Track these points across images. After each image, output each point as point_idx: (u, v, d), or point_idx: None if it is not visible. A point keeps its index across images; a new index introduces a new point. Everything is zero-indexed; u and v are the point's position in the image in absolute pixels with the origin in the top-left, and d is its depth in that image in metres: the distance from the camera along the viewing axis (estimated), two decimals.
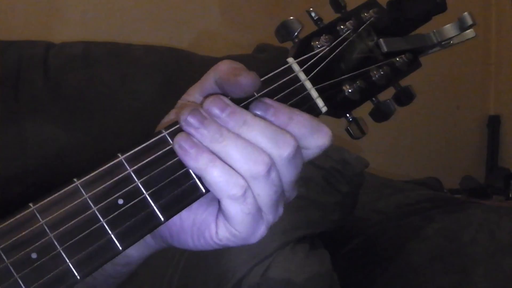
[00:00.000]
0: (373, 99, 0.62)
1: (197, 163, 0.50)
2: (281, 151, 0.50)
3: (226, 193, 0.49)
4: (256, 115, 0.52)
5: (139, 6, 1.84)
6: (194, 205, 0.53)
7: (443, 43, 0.64)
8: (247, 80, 0.52)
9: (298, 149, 0.51)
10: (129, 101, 1.37)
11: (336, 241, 1.28)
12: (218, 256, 1.02)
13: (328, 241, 1.19)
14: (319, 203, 1.13)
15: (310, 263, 1.07)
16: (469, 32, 0.65)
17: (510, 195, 2.07)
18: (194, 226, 0.54)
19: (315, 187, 1.12)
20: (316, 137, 0.52)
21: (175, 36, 1.85)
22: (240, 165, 0.50)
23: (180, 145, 0.50)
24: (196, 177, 0.51)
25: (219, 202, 0.52)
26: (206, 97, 0.54)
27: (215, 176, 0.49)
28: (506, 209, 1.32)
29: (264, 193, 0.51)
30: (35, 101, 1.32)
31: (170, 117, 0.57)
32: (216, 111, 0.51)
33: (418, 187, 1.55)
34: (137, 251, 0.60)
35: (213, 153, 0.50)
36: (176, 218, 0.54)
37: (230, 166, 0.50)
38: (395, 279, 1.19)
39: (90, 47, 1.42)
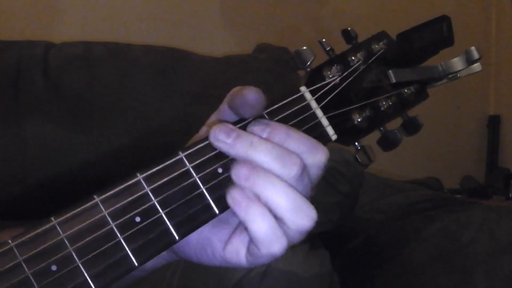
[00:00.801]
0: (381, 128, 0.64)
1: (247, 215, 0.51)
2: (289, 170, 0.51)
3: (269, 246, 0.51)
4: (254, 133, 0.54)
5: (139, 6, 1.84)
6: None
7: (450, 76, 0.66)
8: (250, 92, 0.53)
9: (305, 167, 0.53)
10: (129, 101, 1.37)
11: (336, 241, 1.28)
12: None
13: (328, 241, 1.19)
14: (319, 203, 1.13)
15: (310, 263, 1.07)
16: (476, 66, 0.66)
17: (510, 195, 2.07)
18: (198, 243, 0.56)
19: (315, 187, 1.12)
20: (314, 154, 0.53)
21: (175, 36, 1.85)
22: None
23: (233, 197, 0.52)
24: (211, 199, 0.53)
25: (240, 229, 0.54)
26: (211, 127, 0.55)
27: (261, 229, 0.51)
28: (506, 209, 1.32)
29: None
30: (35, 101, 1.32)
31: (200, 133, 0.58)
32: (222, 136, 0.53)
33: (418, 187, 1.55)
34: (151, 261, 0.62)
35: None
36: None
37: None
38: (395, 279, 1.19)
39: (90, 47, 1.42)
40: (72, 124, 1.32)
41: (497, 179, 2.15)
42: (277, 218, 0.51)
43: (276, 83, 1.45)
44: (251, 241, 0.52)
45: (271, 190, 0.51)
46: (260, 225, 0.50)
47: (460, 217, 1.24)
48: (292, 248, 1.11)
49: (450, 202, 1.36)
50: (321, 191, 1.19)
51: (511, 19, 2.32)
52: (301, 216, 0.51)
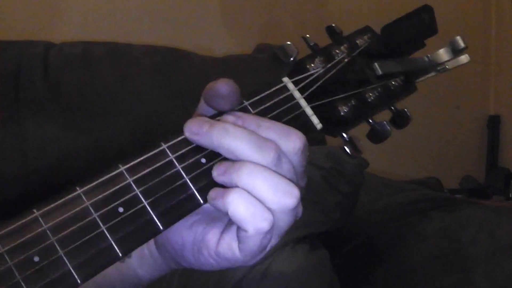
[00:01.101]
0: (370, 120, 0.64)
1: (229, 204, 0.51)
2: (266, 156, 0.51)
3: (254, 225, 0.51)
4: None
5: (139, 6, 1.84)
6: (194, 223, 0.55)
7: (438, 68, 0.66)
8: (221, 84, 0.54)
9: (282, 153, 0.52)
10: (129, 101, 1.37)
11: (336, 241, 1.28)
12: None
13: (328, 241, 1.19)
14: (319, 203, 1.13)
15: (310, 263, 1.07)
16: (463, 58, 0.66)
17: (510, 195, 2.07)
18: (194, 245, 0.55)
19: (315, 187, 1.12)
20: (287, 140, 0.53)
21: (175, 36, 1.85)
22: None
23: (210, 195, 0.52)
24: (194, 188, 0.53)
25: (228, 222, 0.54)
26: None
27: (240, 206, 0.51)
28: (506, 209, 1.32)
29: None
30: (35, 101, 1.32)
31: None
32: (195, 128, 0.53)
33: (418, 187, 1.55)
34: (147, 273, 0.62)
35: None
36: (178, 237, 0.56)
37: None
38: (395, 279, 1.19)
39: (90, 47, 1.42)
40: (72, 124, 1.32)
41: (497, 179, 2.15)
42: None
43: None
44: (238, 228, 0.52)
45: (247, 175, 0.51)
46: (237, 203, 0.50)
47: (460, 217, 1.24)
48: (292, 248, 1.12)
49: (450, 202, 1.36)
50: (321, 191, 1.20)
51: (511, 19, 2.32)
52: (281, 195, 0.51)
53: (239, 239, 0.52)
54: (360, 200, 1.25)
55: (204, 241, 0.55)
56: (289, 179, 0.52)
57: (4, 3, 1.68)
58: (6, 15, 1.68)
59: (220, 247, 0.54)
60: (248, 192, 0.51)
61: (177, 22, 1.88)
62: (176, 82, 1.42)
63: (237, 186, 0.51)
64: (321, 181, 1.13)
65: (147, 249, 0.61)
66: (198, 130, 0.53)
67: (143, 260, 0.62)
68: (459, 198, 1.90)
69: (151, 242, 0.60)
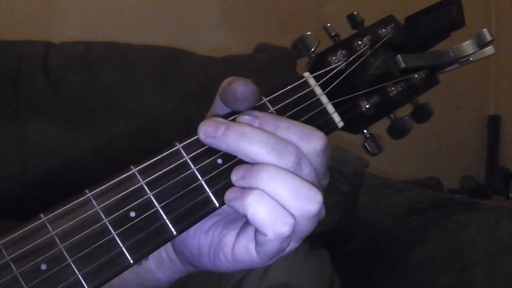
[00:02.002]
0: (391, 115, 0.62)
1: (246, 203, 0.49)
2: (286, 161, 0.49)
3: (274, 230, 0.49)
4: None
5: (139, 6, 1.84)
6: (211, 227, 0.54)
7: (461, 60, 0.64)
8: (238, 85, 0.50)
9: (302, 156, 0.50)
10: (129, 101, 1.37)
11: (336, 241, 1.28)
12: None
13: (328, 241, 1.19)
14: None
15: (310, 263, 1.07)
16: (489, 49, 0.64)
17: (510, 195, 2.07)
18: (210, 249, 0.53)
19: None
20: (307, 142, 0.50)
21: (175, 36, 1.85)
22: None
23: (228, 196, 0.50)
24: (210, 191, 0.51)
25: (244, 225, 0.52)
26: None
27: (260, 210, 0.48)
28: (506, 209, 1.32)
29: None
30: (35, 101, 1.32)
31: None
32: (210, 131, 0.50)
33: (418, 187, 1.55)
34: (166, 276, 0.60)
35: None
36: (195, 241, 0.54)
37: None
38: (395, 279, 1.19)
39: (90, 47, 1.42)
40: (72, 124, 1.32)
41: (497, 179, 2.15)
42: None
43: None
44: (257, 231, 0.49)
45: (267, 179, 0.48)
46: (257, 206, 0.48)
47: (460, 217, 1.23)
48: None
49: (450, 202, 1.36)
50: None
51: (511, 19, 2.32)
52: (303, 200, 0.48)
53: (257, 242, 0.50)
54: (360, 200, 1.25)
55: (220, 245, 0.53)
56: (311, 183, 0.50)
57: (4, 3, 1.68)
58: (6, 15, 1.68)
59: (236, 250, 0.52)
60: (269, 195, 0.48)
61: (177, 22, 1.88)
62: (176, 82, 1.42)
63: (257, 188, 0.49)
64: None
65: (165, 252, 0.59)
66: (213, 133, 0.50)
67: (161, 263, 0.60)
68: (459, 198, 1.90)
69: (169, 244, 0.58)
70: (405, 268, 1.19)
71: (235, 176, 0.50)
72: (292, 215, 0.49)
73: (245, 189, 0.49)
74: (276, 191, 0.48)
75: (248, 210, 0.48)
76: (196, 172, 0.50)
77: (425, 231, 1.23)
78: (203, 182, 0.51)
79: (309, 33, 0.59)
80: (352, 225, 1.31)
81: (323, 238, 1.17)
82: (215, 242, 0.53)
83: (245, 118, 0.51)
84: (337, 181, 1.16)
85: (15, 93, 1.31)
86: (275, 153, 0.49)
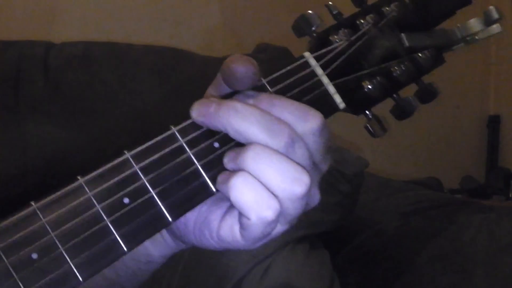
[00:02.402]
0: (394, 96, 0.60)
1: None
2: (277, 141, 0.48)
3: (257, 213, 0.47)
4: None
5: (139, 6, 1.84)
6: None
7: (468, 38, 0.62)
8: (237, 64, 0.49)
9: (296, 137, 0.48)
10: (129, 101, 1.37)
11: (336, 241, 1.28)
12: (218, 256, 1.02)
13: (328, 241, 1.19)
14: (319, 203, 1.13)
15: (310, 263, 1.07)
16: (495, 27, 0.62)
17: (510, 195, 2.07)
18: (196, 224, 0.52)
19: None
20: (303, 122, 0.49)
21: (175, 36, 1.85)
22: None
23: (217, 181, 0.49)
24: (207, 176, 0.49)
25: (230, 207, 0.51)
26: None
27: (244, 193, 0.47)
28: (506, 209, 1.32)
29: None
30: (35, 101, 1.32)
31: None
32: (202, 109, 0.49)
33: (418, 187, 1.55)
34: (157, 251, 0.59)
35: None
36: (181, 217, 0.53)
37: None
38: (395, 279, 1.19)
39: (90, 47, 1.42)
40: (72, 124, 1.32)
41: (497, 179, 2.15)
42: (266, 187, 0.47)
43: None
44: (241, 214, 0.48)
45: (251, 158, 0.47)
46: (240, 188, 0.47)
47: (460, 217, 1.23)
48: (292, 248, 1.12)
49: (450, 202, 1.36)
50: (321, 191, 1.19)
51: (511, 19, 2.32)
52: (289, 181, 0.47)
53: (241, 225, 0.49)
54: (360, 200, 1.25)
55: (206, 222, 0.51)
56: (303, 165, 0.48)
57: (4, 3, 1.68)
58: (6, 15, 1.68)
59: (221, 229, 0.50)
60: (255, 178, 0.47)
61: (177, 22, 1.88)
62: (176, 82, 1.42)
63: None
64: (321, 181, 1.13)
65: None
66: (205, 111, 0.49)
67: (153, 238, 0.57)
68: (459, 198, 1.90)
69: None
70: (405, 268, 1.19)
71: (226, 159, 0.50)
72: (277, 198, 0.47)
73: (232, 172, 0.48)
74: (261, 171, 0.47)
75: (231, 193, 0.47)
76: (192, 156, 0.49)
77: (425, 231, 1.23)
78: (199, 167, 0.49)
79: (310, 11, 0.58)
80: (352, 225, 1.31)
81: (323, 238, 1.17)
82: (201, 219, 0.52)
83: (240, 96, 0.51)
84: (337, 181, 1.16)
85: (15, 93, 1.31)
86: (268, 132, 0.47)
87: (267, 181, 0.47)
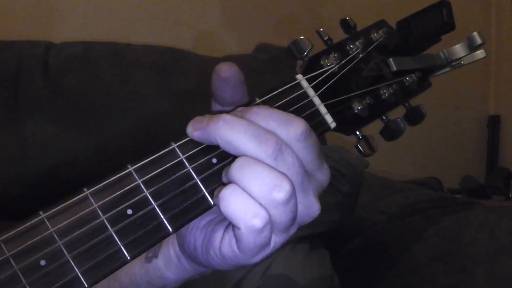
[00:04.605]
0: (383, 117, 0.63)
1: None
2: (264, 149, 0.49)
3: (244, 222, 0.49)
4: None
5: (139, 6, 1.84)
6: (206, 224, 0.55)
7: (453, 63, 0.65)
8: (221, 67, 0.53)
9: (283, 144, 0.50)
10: (129, 101, 1.37)
11: (336, 241, 1.28)
12: None
13: (328, 241, 1.19)
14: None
15: (310, 263, 1.07)
16: (479, 53, 0.65)
17: (510, 195, 2.07)
18: (203, 245, 0.55)
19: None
20: (287, 128, 0.51)
21: (175, 36, 1.85)
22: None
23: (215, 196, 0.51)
24: (205, 189, 0.52)
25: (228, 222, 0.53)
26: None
27: (230, 203, 0.49)
28: (506, 209, 1.32)
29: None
30: (35, 101, 1.32)
31: None
32: (195, 124, 0.52)
33: (418, 187, 1.55)
34: (174, 274, 0.61)
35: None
36: (191, 237, 0.55)
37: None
38: (395, 279, 1.19)
39: (90, 47, 1.42)
40: (72, 124, 1.32)
41: (497, 179, 2.15)
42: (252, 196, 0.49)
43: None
44: (233, 225, 0.50)
45: (236, 169, 0.49)
46: (228, 199, 0.49)
47: (460, 217, 1.23)
48: (292, 248, 1.12)
49: (450, 202, 1.36)
50: (320, 195, 1.19)
51: (511, 19, 2.32)
52: (267, 188, 0.49)
53: (235, 237, 0.51)
54: (360, 200, 1.25)
55: (210, 241, 0.54)
56: (294, 173, 0.50)
57: (4, 3, 1.68)
58: (6, 15, 1.68)
59: (221, 246, 0.52)
60: (242, 188, 0.49)
61: (177, 22, 1.88)
62: (176, 82, 1.42)
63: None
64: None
65: (172, 249, 0.60)
66: (198, 126, 0.51)
67: (169, 260, 0.60)
68: (459, 198, 1.90)
69: (175, 242, 0.59)
70: (405, 268, 1.19)
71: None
72: (264, 207, 0.49)
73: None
74: (245, 181, 0.49)
75: (221, 204, 0.49)
76: (192, 171, 0.52)
77: (425, 231, 1.23)
78: (198, 181, 0.52)
79: (302, 37, 0.60)
80: (352, 225, 1.31)
81: (323, 238, 1.17)
82: (207, 239, 0.54)
83: (231, 112, 0.53)
84: (337, 181, 1.16)
85: (15, 93, 1.31)
86: (255, 139, 0.50)
87: (251, 191, 0.49)
